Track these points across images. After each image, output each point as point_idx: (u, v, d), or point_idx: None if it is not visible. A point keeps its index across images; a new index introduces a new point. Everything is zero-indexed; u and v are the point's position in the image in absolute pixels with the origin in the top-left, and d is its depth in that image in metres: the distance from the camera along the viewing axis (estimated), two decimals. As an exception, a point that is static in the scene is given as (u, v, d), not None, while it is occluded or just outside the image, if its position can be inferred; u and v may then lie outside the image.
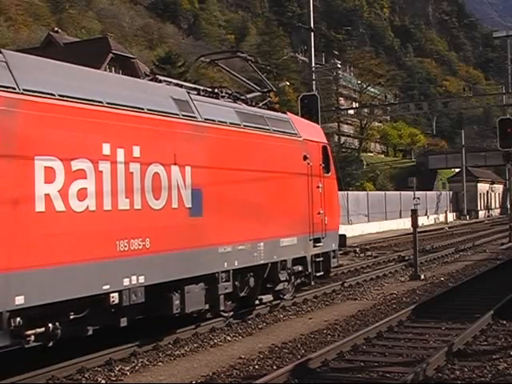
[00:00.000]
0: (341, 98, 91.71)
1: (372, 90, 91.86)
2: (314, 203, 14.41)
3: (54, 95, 8.41)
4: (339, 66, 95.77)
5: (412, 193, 44.16)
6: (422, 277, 18.68)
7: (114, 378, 8.96)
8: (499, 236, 35.39)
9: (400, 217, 49.57)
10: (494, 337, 10.87)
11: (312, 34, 29.86)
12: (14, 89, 7.93)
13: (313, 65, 30.40)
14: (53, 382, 8.61)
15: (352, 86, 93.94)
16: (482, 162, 73.17)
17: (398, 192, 54.32)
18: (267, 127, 13.09)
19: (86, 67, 9.90)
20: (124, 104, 9.50)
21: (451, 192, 68.25)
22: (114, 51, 48.66)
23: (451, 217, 62.38)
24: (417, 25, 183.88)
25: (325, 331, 11.72)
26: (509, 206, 41.01)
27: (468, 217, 65.76)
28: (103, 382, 8.80)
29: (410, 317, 12.50)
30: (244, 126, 12.27)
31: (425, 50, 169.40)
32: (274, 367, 9.20)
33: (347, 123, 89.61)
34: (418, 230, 19.99)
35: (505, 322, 11.91)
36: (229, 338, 11.36)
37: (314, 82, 29.43)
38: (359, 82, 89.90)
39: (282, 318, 13.27)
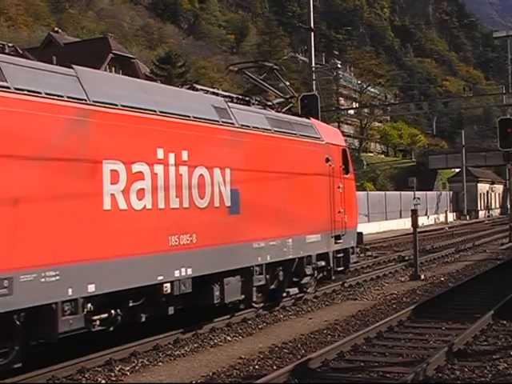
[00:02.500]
0: (341, 98, 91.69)
1: (372, 89, 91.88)
2: (335, 202, 15.44)
3: (117, 105, 9.39)
4: (339, 65, 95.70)
5: (412, 193, 44.14)
6: (422, 277, 18.69)
7: (114, 378, 8.96)
8: (499, 236, 35.39)
9: (400, 217, 49.58)
10: (494, 337, 10.86)
11: (312, 33, 29.86)
12: (86, 100, 8.88)
13: (313, 65, 30.41)
14: (53, 382, 8.62)
15: (352, 86, 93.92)
16: (482, 162, 73.13)
17: (398, 192, 54.31)
18: (294, 132, 14.11)
19: (124, 76, 10.74)
20: (174, 112, 10.48)
21: (451, 192, 68.22)
22: (114, 51, 48.72)
23: (451, 217, 62.41)
24: (417, 25, 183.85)
25: (325, 331, 11.72)
26: (509, 206, 40.98)
27: (468, 217, 65.75)
28: (103, 381, 8.81)
29: (410, 317, 12.49)
30: (274, 131, 13.29)
31: (425, 50, 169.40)
32: (274, 367, 9.20)
33: (347, 123, 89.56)
34: (418, 230, 19.99)
35: (505, 322, 11.91)
36: (229, 338, 11.36)
37: (314, 82, 29.44)
38: (359, 82, 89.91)
39: (282, 318, 13.27)
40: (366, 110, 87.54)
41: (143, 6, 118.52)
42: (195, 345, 10.80)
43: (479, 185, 75.07)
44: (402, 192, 52.31)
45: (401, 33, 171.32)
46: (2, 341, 7.87)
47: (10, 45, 8.90)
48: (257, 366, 9.36)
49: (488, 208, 77.73)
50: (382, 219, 47.38)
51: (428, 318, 12.45)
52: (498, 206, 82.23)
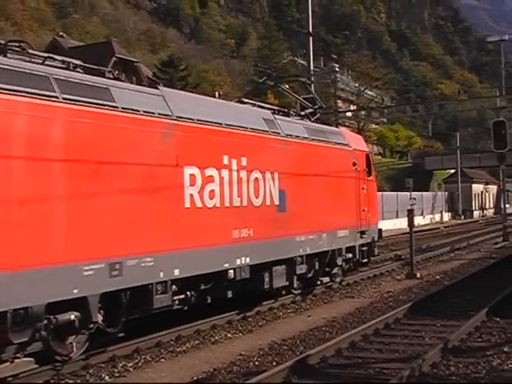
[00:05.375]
0: (339, 101, 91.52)
1: (369, 92, 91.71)
2: (361, 202, 16.94)
3: (194, 120, 10.83)
4: (337, 69, 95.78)
5: (408, 193, 44.19)
6: (418, 275, 18.68)
7: (117, 374, 8.96)
8: (493, 235, 35.39)
9: (397, 217, 49.51)
10: (488, 334, 10.87)
11: (311, 38, 29.87)
12: (170, 116, 10.32)
13: (311, 68, 30.40)
14: (58, 378, 8.62)
15: (350, 89, 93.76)
16: (477, 163, 73.04)
17: (394, 192, 54.23)
18: (327, 139, 15.61)
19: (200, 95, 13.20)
20: (234, 124, 11.96)
21: (446, 192, 68.18)
22: (117, 55, 48.71)
23: (446, 217, 62.39)
24: (413, 29, 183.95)
25: (323, 328, 11.72)
26: (502, 206, 40.97)
27: (463, 217, 65.73)
28: (107, 377, 8.81)
29: (406, 314, 12.51)
30: (311, 139, 14.79)
31: (421, 54, 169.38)
32: (274, 363, 9.20)
33: (345, 125, 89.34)
34: (414, 229, 20.03)
35: (498, 319, 11.92)
36: (229, 335, 11.36)
37: (312, 85, 29.42)
38: (357, 84, 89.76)
39: (282, 315, 13.27)
40: (363, 113, 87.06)
41: (146, 11, 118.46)
42: (196, 341, 10.80)
43: (474, 185, 75.07)
44: (399, 192, 52.24)
45: (397, 37, 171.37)
46: (115, 313, 9.29)
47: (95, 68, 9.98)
48: (257, 363, 9.36)
49: (482, 208, 77.71)
50: (378, 219, 47.24)
51: (424, 315, 12.45)
52: (491, 206, 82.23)
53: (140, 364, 9.46)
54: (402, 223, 44.91)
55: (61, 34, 58.76)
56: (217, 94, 28.11)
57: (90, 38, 76.84)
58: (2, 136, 7.61)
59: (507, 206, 49.17)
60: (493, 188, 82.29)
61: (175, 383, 7.93)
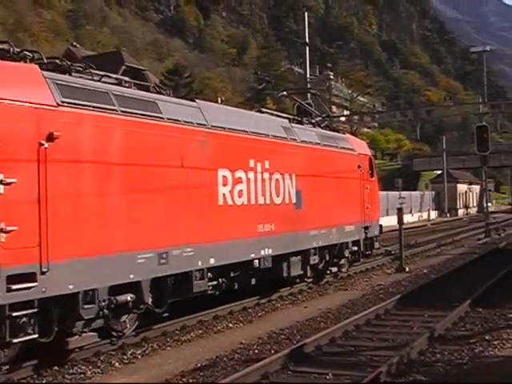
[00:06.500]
0: (333, 106, 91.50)
1: (361, 98, 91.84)
2: (364, 200, 17.59)
3: (225, 128, 11.46)
4: (332, 77, 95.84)
5: (398, 193, 44.15)
6: (407, 269, 18.67)
7: (126, 361, 8.98)
8: (476, 232, 35.35)
9: (387, 214, 49.37)
10: (471, 323, 10.87)
11: (307, 47, 29.87)
12: (206, 125, 10.93)
13: (308, 76, 30.40)
14: (72, 364, 8.63)
15: (343, 96, 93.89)
16: (461, 165, 72.97)
17: (385, 192, 54.03)
18: (335, 145, 16.32)
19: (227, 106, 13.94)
20: (258, 132, 12.64)
21: (433, 192, 68.07)
22: (126, 63, 48.57)
23: (433, 214, 62.30)
24: (402, 40, 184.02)
25: (318, 319, 11.72)
26: (485, 205, 40.94)
27: (448, 215, 65.66)
28: (117, 364, 8.82)
29: (395, 305, 12.49)
30: (323, 144, 15.48)
31: (409, 63, 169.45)
32: (272, 351, 9.19)
33: (339, 129, 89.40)
34: (403, 226, 19.99)
35: (481, 309, 11.92)
36: (231, 325, 11.36)
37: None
38: (350, 91, 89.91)
39: (280, 306, 13.26)
40: (356, 117, 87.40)
41: (153, 23, 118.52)
42: (200, 331, 10.79)
43: (458, 185, 75.02)
44: (389, 192, 52.17)
45: (387, 47, 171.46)
46: (162, 296, 9.90)
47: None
48: (256, 351, 9.36)
49: (466, 207, 77.68)
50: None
51: (412, 306, 12.44)
52: (475, 204, 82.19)
53: (147, 352, 9.47)
54: (392, 221, 44.80)
55: (74, 44, 58.66)
56: (219, 99, 28.08)
57: (102, 48, 76.85)
58: (73, 144, 8.22)
59: (489, 204, 49.17)
60: (476, 188, 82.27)
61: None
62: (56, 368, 8.43)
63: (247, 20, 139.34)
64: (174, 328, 10.75)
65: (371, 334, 10.24)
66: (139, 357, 9.19)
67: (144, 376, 8.26)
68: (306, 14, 33.76)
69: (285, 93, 19.04)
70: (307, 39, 29.82)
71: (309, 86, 29.85)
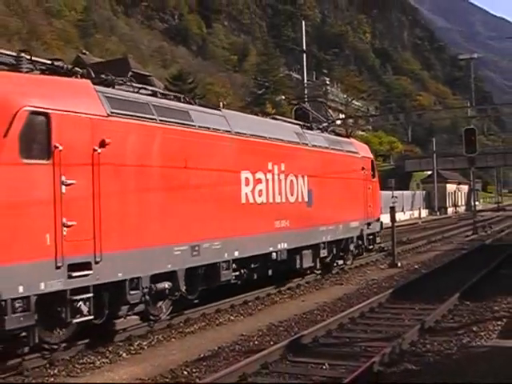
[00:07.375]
0: (329, 110, 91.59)
1: (356, 103, 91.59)
2: (367, 199, 18.30)
3: (246, 134, 12.09)
4: (328, 82, 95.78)
5: (391, 192, 44.12)
6: (399, 265, 18.67)
7: (133, 352, 8.99)
8: (464, 229, 35.35)
9: (380, 213, 49.39)
10: (459, 315, 10.90)
11: (304, 55, 29.89)
12: (230, 132, 11.56)
13: (305, 81, 30.42)
14: (82, 354, 8.64)
15: (339, 100, 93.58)
16: (451, 166, 72.84)
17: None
18: (342, 148, 17.02)
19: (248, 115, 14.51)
20: (275, 137, 13.30)
21: (424, 191, 68.04)
22: (133, 70, 48.49)
23: (424, 213, 62.24)
24: (394, 48, 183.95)
25: (315, 312, 11.73)
26: (472, 204, 40.92)
27: (438, 213, 65.59)
28: (124, 354, 8.83)
29: (388, 299, 12.51)
30: (330, 148, 16.23)
31: (401, 69, 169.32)
32: (272, 343, 9.21)
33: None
34: (396, 224, 20.00)
35: (469, 302, 11.94)
36: (232, 317, 11.36)
37: (306, 96, 29.40)
38: (345, 96, 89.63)
39: (279, 300, 13.26)
40: (350, 121, 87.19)
41: (158, 31, 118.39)
42: (203, 323, 10.80)
43: (448, 185, 74.91)
44: (382, 192, 52.06)
45: (380, 54, 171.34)
46: (194, 284, 10.49)
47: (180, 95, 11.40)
48: (256, 342, 9.38)
49: (455, 205, 77.61)
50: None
51: (404, 300, 12.45)
52: (463, 203, 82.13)
53: (153, 343, 9.48)
54: (385, 219, 44.85)
55: (84, 51, 58.66)
56: (221, 104, 28.10)
57: (110, 55, 76.76)
58: (120, 149, 8.80)
59: (477, 203, 49.13)
60: (464, 188, 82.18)
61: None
62: (67, 357, 8.43)
63: (247, 28, 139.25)
64: (179, 321, 10.76)
65: (365, 326, 10.25)
66: (145, 348, 9.21)
67: (150, 365, 8.27)
68: (304, 22, 33.76)
69: (293, 101, 20.59)
70: (304, 47, 29.84)
71: (306, 91, 29.86)
